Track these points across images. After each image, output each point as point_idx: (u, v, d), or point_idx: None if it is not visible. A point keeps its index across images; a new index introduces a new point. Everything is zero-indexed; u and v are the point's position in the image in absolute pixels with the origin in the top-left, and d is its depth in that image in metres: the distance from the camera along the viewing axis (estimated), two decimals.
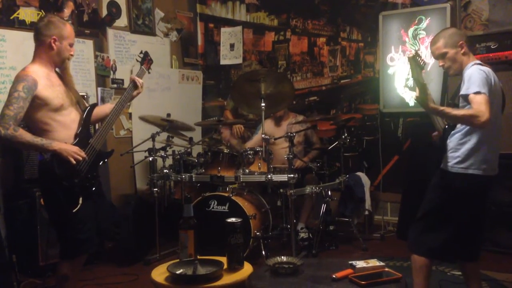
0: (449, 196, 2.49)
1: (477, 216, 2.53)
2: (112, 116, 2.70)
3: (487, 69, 2.41)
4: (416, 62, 2.46)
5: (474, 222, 2.52)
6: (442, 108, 2.43)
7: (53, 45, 2.53)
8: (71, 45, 2.61)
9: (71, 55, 2.64)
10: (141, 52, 3.01)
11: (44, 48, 2.54)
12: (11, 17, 3.92)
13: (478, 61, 2.50)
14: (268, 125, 4.41)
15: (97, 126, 3.16)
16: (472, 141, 2.42)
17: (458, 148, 2.46)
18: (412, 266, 2.58)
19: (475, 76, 2.34)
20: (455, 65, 2.53)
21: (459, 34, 2.56)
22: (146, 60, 2.97)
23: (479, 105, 2.27)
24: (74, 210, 2.49)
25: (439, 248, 2.48)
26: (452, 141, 2.49)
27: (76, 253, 2.63)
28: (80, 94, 2.87)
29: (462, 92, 2.37)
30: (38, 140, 2.44)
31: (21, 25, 3.96)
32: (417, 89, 2.46)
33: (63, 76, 2.67)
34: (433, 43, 2.59)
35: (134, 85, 2.82)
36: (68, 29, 2.59)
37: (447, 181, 2.50)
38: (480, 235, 2.62)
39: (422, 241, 2.54)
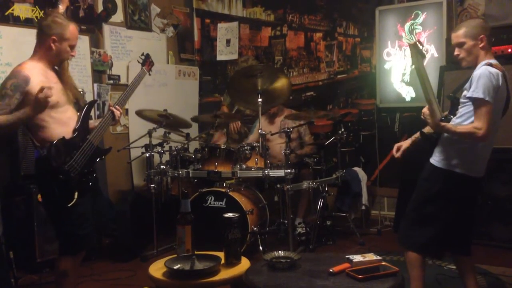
0: (435, 191, 2.48)
1: (464, 214, 2.51)
2: (103, 122, 2.68)
3: (496, 71, 2.36)
4: (417, 50, 2.42)
5: (461, 219, 2.51)
6: (443, 124, 2.38)
7: (52, 45, 2.51)
8: (72, 47, 2.57)
9: (72, 55, 2.62)
10: (142, 54, 3.01)
11: (44, 47, 2.53)
12: (6, 13, 3.90)
13: (492, 61, 2.44)
14: (262, 122, 4.41)
15: None
16: (466, 140, 2.40)
17: (451, 144, 2.45)
18: (406, 260, 2.59)
19: (485, 79, 2.30)
20: (469, 57, 2.47)
21: (482, 27, 2.48)
22: (147, 62, 2.98)
23: (478, 120, 2.29)
24: (69, 205, 2.49)
25: (426, 243, 2.48)
26: (446, 136, 2.47)
27: (75, 249, 2.63)
28: None
29: (469, 94, 2.34)
30: (11, 117, 2.34)
31: (16, 21, 3.94)
32: (427, 108, 2.44)
33: (62, 75, 2.65)
34: (455, 30, 2.53)
35: (112, 116, 2.72)
36: (71, 30, 2.55)
37: (433, 176, 2.50)
38: (469, 231, 2.61)
39: (410, 236, 2.54)
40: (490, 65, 2.39)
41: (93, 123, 2.76)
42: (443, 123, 2.40)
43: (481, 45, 2.45)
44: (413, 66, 2.49)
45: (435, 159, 2.50)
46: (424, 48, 2.45)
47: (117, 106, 2.74)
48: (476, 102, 2.31)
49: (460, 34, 2.48)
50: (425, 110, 2.49)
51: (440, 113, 2.49)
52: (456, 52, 2.53)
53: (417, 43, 2.41)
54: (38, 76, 2.48)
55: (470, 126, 2.32)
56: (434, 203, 2.48)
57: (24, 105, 2.43)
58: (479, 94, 2.29)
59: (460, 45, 2.48)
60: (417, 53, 2.42)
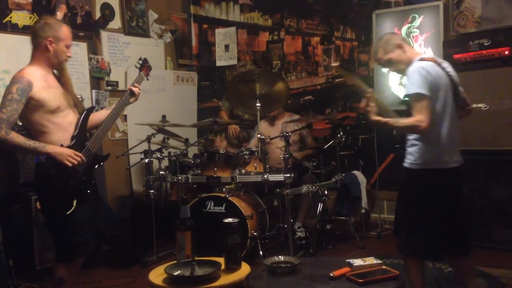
0: (416, 193, 2.48)
1: (452, 209, 2.49)
2: (108, 121, 2.70)
3: (427, 63, 2.42)
4: (344, 70, 2.48)
5: (450, 216, 2.48)
6: (385, 120, 2.44)
7: (49, 47, 2.53)
8: (67, 46, 2.61)
9: (68, 56, 2.64)
10: (140, 59, 3.04)
11: (41, 50, 2.54)
12: (4, 21, 3.91)
13: (422, 55, 2.51)
14: (262, 126, 4.41)
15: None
16: (428, 135, 2.41)
17: (415, 143, 2.47)
18: (405, 266, 2.58)
19: (415, 75, 2.38)
20: (402, 65, 2.55)
21: (394, 37, 2.61)
22: (145, 66, 3.00)
23: (417, 113, 2.33)
24: (68, 212, 2.49)
25: (422, 247, 2.46)
26: (408, 137, 2.50)
27: (72, 256, 2.63)
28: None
29: (405, 92, 2.42)
30: (30, 143, 2.43)
31: (14, 29, 3.95)
32: (363, 101, 2.49)
33: (61, 77, 2.67)
34: (374, 55, 2.64)
35: (131, 93, 2.83)
36: (64, 30, 2.59)
37: (410, 179, 2.51)
38: (463, 228, 2.58)
39: (407, 242, 2.54)
40: (422, 59, 2.47)
41: (102, 113, 2.81)
42: (383, 119, 2.44)
43: (402, 50, 2.55)
44: (352, 85, 2.53)
45: (407, 162, 2.52)
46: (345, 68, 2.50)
47: (136, 84, 2.86)
48: (413, 98, 2.36)
49: (381, 55, 2.60)
50: (364, 105, 2.50)
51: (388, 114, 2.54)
52: (391, 70, 2.65)
53: (341, 64, 2.46)
54: (40, 81, 2.50)
55: (412, 120, 2.35)
56: (419, 206, 2.47)
57: (26, 111, 2.45)
58: (412, 89, 2.35)
59: (388, 62, 2.59)
60: (346, 73, 2.47)
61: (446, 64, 2.52)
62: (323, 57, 5.13)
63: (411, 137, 2.49)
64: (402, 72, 2.59)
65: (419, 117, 2.33)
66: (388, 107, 2.61)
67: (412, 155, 2.48)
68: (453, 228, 2.51)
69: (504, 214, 3.77)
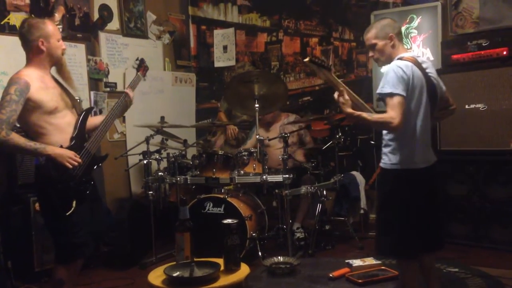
0: (388, 194, 2.47)
1: (426, 207, 2.45)
2: (107, 122, 2.71)
3: (405, 63, 2.38)
4: (316, 65, 2.44)
5: (425, 214, 2.44)
6: (358, 113, 2.42)
7: (42, 47, 2.52)
8: (59, 40, 2.60)
9: (63, 49, 2.63)
10: (137, 59, 3.06)
11: (35, 52, 2.54)
12: (2, 22, 3.90)
13: (404, 54, 2.48)
14: (259, 131, 4.40)
15: None
16: (400, 136, 2.40)
17: (389, 143, 2.46)
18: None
19: (391, 74, 2.35)
20: (383, 57, 2.53)
21: (391, 26, 2.54)
22: (142, 67, 3.01)
23: (391, 110, 2.31)
24: (67, 214, 2.48)
25: (394, 247, 2.40)
26: (384, 135, 2.50)
27: (71, 258, 2.62)
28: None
29: (378, 90, 2.39)
30: (31, 144, 2.43)
31: (12, 30, 3.94)
32: (336, 93, 2.46)
33: (62, 73, 2.67)
34: (365, 33, 2.59)
35: (126, 97, 2.83)
36: (50, 26, 2.58)
37: (384, 179, 2.50)
38: (439, 224, 2.56)
39: (380, 243, 2.52)
40: (401, 58, 2.43)
41: (97, 118, 2.81)
42: (357, 112, 2.41)
43: (391, 44, 2.51)
44: (325, 81, 2.48)
45: (382, 162, 2.51)
46: (322, 59, 2.46)
47: (129, 87, 2.87)
48: (387, 97, 2.34)
49: (370, 36, 2.55)
50: (341, 99, 2.44)
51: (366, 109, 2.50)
52: (370, 54, 2.60)
53: (312, 58, 2.42)
54: (37, 82, 2.49)
55: (385, 116, 2.34)
56: (390, 206, 2.45)
57: (24, 112, 2.45)
58: (387, 89, 2.33)
59: (372, 47, 2.55)
60: (318, 68, 2.43)
61: (427, 64, 2.49)
62: (322, 58, 5.13)
63: (386, 137, 2.48)
64: (378, 63, 2.59)
65: (392, 114, 2.31)
66: (365, 105, 2.58)
67: (386, 155, 2.47)
68: (429, 225, 2.46)
69: (503, 214, 3.77)
